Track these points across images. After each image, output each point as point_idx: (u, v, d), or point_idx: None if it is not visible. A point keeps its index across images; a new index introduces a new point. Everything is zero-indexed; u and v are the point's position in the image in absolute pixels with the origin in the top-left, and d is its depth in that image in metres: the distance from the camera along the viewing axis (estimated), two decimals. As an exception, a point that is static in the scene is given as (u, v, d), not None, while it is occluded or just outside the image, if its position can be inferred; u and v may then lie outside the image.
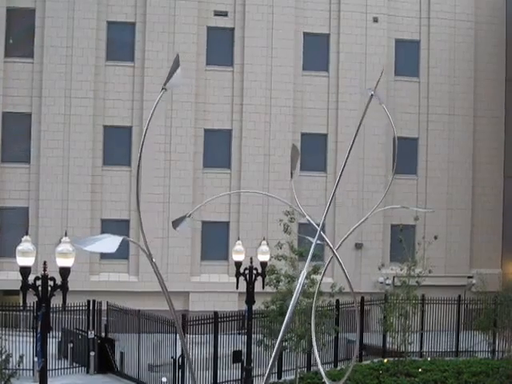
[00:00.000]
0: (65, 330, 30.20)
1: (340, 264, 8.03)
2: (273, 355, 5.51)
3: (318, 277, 27.21)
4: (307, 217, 7.99)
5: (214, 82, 37.97)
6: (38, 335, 19.91)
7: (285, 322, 6.15)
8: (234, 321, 29.33)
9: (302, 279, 6.47)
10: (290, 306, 6.22)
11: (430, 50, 40.25)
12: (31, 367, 26.48)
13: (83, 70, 36.51)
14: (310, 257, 6.35)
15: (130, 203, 36.81)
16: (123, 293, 34.72)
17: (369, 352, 31.49)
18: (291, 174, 11.24)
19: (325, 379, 6.64)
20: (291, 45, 38.57)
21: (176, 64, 7.10)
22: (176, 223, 8.48)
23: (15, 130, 36.61)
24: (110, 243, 6.72)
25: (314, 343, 8.27)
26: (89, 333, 28.95)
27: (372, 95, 7.88)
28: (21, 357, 24.18)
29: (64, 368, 28.44)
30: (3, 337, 24.83)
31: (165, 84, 7.07)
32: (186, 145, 37.32)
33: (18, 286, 17.86)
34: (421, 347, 32.16)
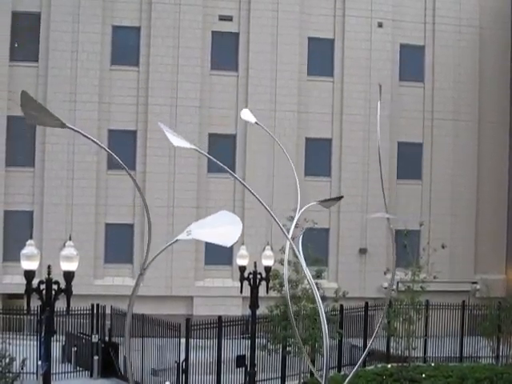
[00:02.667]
0: (68, 333, 30.21)
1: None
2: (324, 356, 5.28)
3: (321, 281, 27.23)
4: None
5: (219, 87, 37.99)
6: (42, 339, 19.94)
7: (323, 324, 5.91)
8: (238, 325, 29.31)
9: (308, 274, 6.35)
10: (320, 310, 6.03)
11: (435, 55, 40.23)
12: (35, 371, 26.50)
13: (88, 74, 36.57)
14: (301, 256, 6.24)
15: (135, 207, 36.83)
16: (127, 297, 34.57)
17: (372, 357, 31.42)
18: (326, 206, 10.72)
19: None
20: (296, 50, 38.58)
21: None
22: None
23: (20, 133, 36.65)
24: (229, 235, 5.87)
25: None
26: (92, 337, 28.95)
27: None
28: (23, 360, 24.20)
29: (67, 372, 28.46)
30: (7, 340, 24.87)
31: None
32: (190, 149, 37.26)
33: (22, 290, 17.87)
34: (425, 353, 32.07)
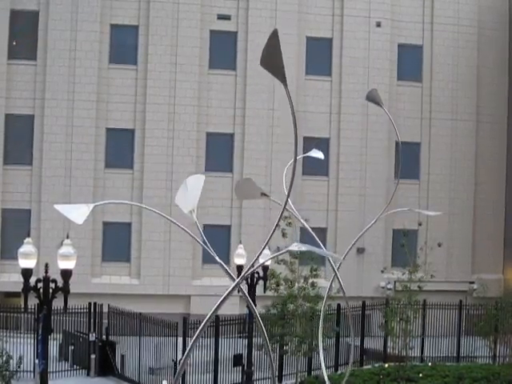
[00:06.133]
0: (66, 332, 30.20)
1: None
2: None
3: (317, 280, 27.24)
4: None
5: (217, 86, 37.98)
6: (39, 337, 19.92)
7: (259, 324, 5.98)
8: (235, 324, 29.31)
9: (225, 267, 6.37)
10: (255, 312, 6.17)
11: (433, 55, 40.24)
12: (32, 369, 26.50)
13: (86, 73, 36.56)
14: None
15: (132, 206, 36.81)
16: (124, 295, 34.73)
17: (369, 356, 31.44)
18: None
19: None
20: (294, 49, 38.56)
21: None
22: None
23: (18, 131, 36.65)
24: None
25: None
26: (90, 335, 28.96)
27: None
28: (20, 358, 24.20)
29: (65, 370, 28.46)
30: (4, 338, 24.87)
31: None
32: (188, 148, 37.34)
33: (19, 288, 17.87)
34: (422, 352, 32.11)
